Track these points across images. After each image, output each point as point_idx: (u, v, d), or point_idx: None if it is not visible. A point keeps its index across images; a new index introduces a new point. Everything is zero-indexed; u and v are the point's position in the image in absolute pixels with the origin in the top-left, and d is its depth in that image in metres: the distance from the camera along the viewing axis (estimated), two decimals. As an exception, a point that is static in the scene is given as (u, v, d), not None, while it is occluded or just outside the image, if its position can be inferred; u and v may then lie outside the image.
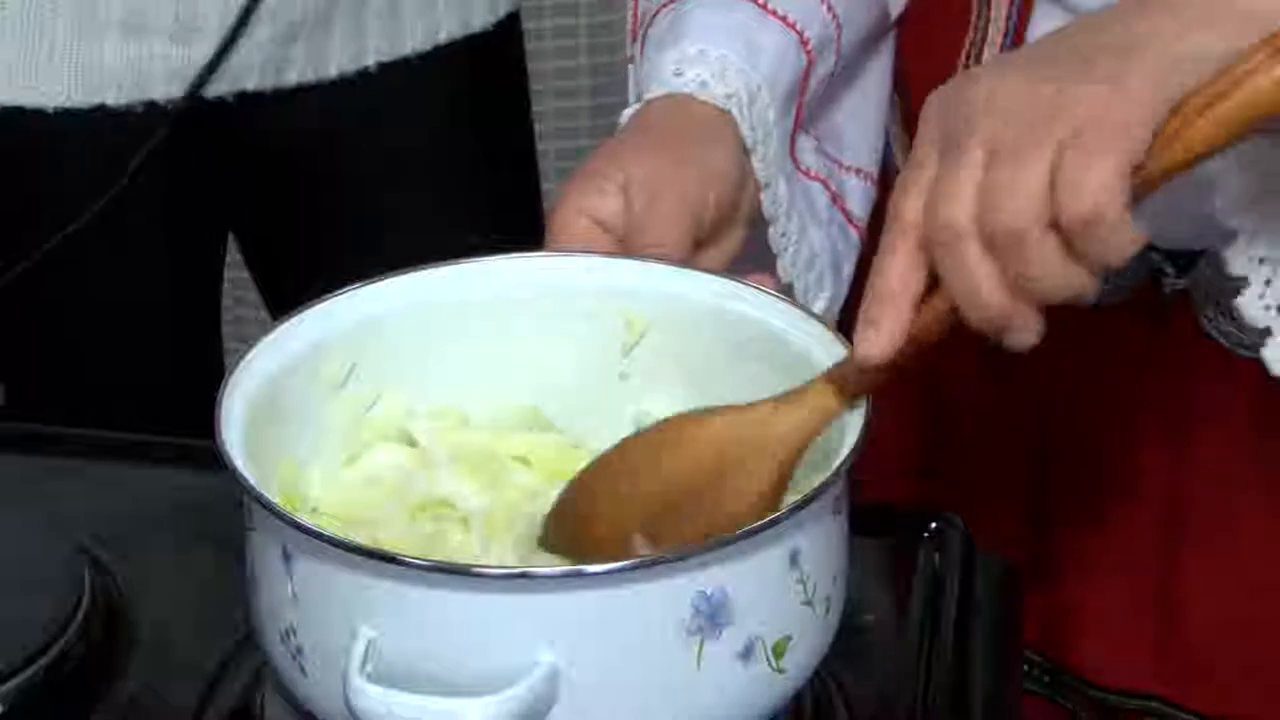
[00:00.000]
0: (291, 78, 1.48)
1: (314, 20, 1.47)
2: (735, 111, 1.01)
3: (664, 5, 1.06)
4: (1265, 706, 1.11)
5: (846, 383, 0.85)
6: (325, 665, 0.80)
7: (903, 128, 1.16)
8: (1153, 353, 1.09)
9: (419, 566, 0.78)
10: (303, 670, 0.82)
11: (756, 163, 1.01)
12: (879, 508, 1.02)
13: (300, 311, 0.91)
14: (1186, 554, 1.11)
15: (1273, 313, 0.95)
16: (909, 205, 0.82)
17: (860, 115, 1.14)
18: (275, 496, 0.83)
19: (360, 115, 1.52)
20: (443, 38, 1.53)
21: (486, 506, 0.90)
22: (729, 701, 0.81)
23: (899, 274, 0.82)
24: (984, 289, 0.80)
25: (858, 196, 1.13)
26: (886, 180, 1.16)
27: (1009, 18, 1.07)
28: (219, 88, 1.46)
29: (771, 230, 1.04)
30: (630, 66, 1.09)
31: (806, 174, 1.10)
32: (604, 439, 0.93)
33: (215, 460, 0.82)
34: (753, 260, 1.02)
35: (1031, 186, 0.78)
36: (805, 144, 1.10)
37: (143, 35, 1.43)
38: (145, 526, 1.02)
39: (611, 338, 0.95)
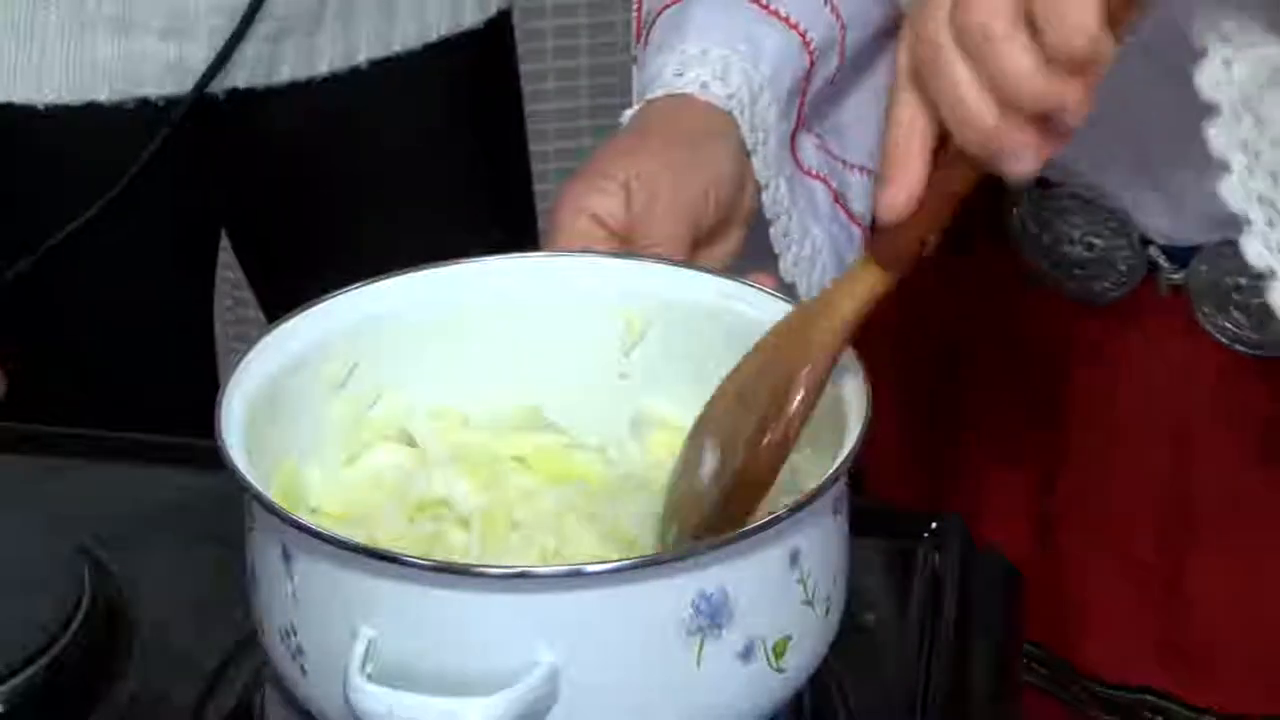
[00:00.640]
0: (283, 75, 1.48)
1: (305, 18, 1.47)
2: (736, 112, 1.01)
3: (666, 6, 1.06)
4: (1268, 702, 1.12)
5: (885, 253, 0.85)
6: (325, 665, 0.80)
7: None
8: (1152, 350, 1.09)
9: (420, 566, 0.78)
10: (303, 670, 0.82)
11: (757, 163, 1.01)
12: (879, 508, 1.02)
13: (300, 311, 0.91)
14: (1189, 549, 1.11)
15: (1274, 254, 0.94)
16: (905, 52, 0.82)
17: (866, 114, 1.14)
18: (275, 496, 0.83)
19: (352, 113, 1.52)
20: (434, 35, 1.53)
21: (485, 506, 0.90)
22: (728, 701, 0.81)
23: (906, 121, 0.82)
24: (968, 98, 0.80)
25: (861, 194, 1.13)
26: None
27: None
28: (211, 86, 1.46)
29: (773, 230, 1.04)
30: (634, 67, 1.09)
31: (809, 173, 1.10)
32: (604, 439, 0.93)
33: (215, 460, 0.82)
34: (753, 259, 1.03)
35: None
36: (807, 143, 1.10)
37: (133, 32, 1.43)
38: (145, 526, 1.02)
39: (612, 337, 0.95)
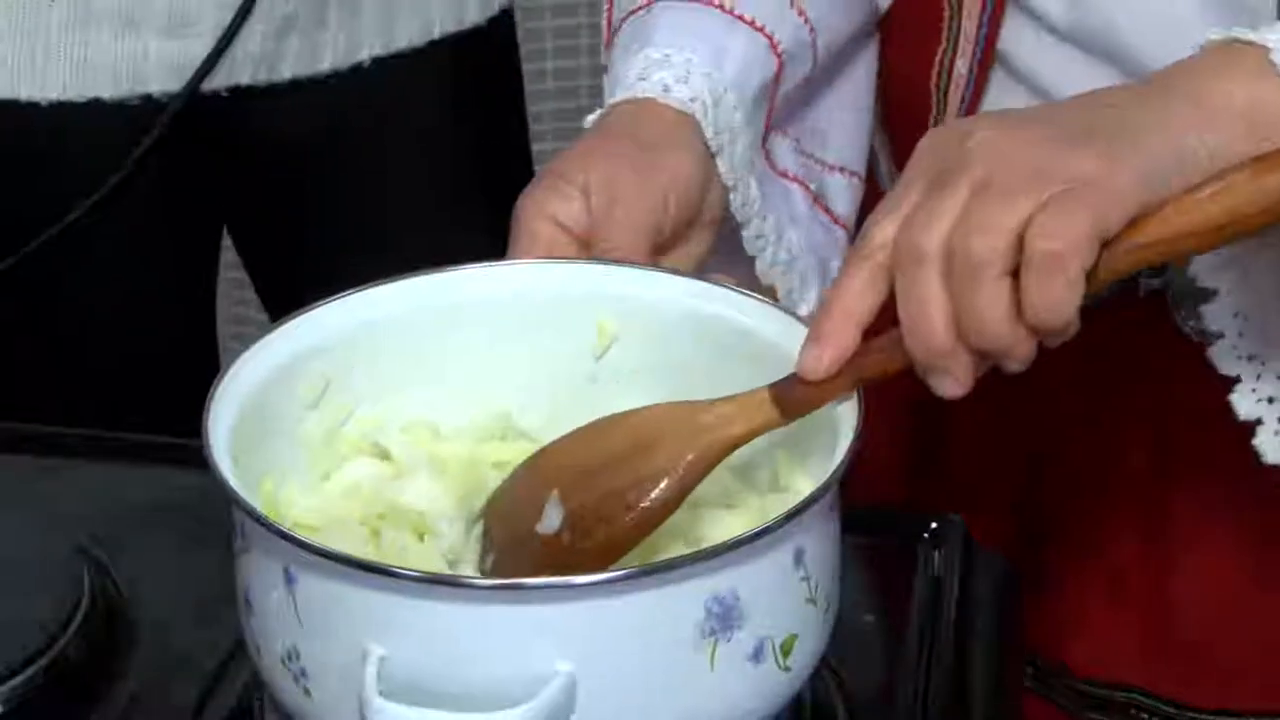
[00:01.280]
0: (285, 73, 1.48)
1: (308, 15, 1.47)
2: (699, 114, 1.00)
3: (633, 11, 1.06)
4: (1256, 698, 1.12)
5: (786, 396, 0.85)
6: (333, 687, 0.79)
7: (880, 129, 1.16)
8: (1135, 354, 1.09)
9: (432, 581, 0.78)
10: (307, 692, 0.81)
11: (723, 165, 1.01)
12: (879, 508, 1.02)
13: (273, 329, 0.91)
14: (1172, 551, 1.11)
15: (1263, 404, 0.96)
16: (881, 229, 0.83)
17: (846, 115, 1.14)
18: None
19: (354, 110, 1.52)
20: (437, 33, 1.53)
21: (462, 516, 0.89)
22: (738, 702, 0.81)
23: (855, 293, 0.83)
24: (934, 317, 0.80)
25: (843, 195, 1.13)
26: (872, 182, 1.16)
27: (980, 28, 1.07)
28: (213, 82, 1.46)
29: (745, 232, 1.04)
30: (605, 76, 1.09)
31: (784, 175, 1.10)
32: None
33: (215, 460, 0.82)
34: (727, 262, 1.02)
35: (1008, 226, 0.79)
36: (782, 145, 1.10)
37: (136, 29, 1.43)
38: (145, 526, 1.02)
39: (582, 343, 0.95)
